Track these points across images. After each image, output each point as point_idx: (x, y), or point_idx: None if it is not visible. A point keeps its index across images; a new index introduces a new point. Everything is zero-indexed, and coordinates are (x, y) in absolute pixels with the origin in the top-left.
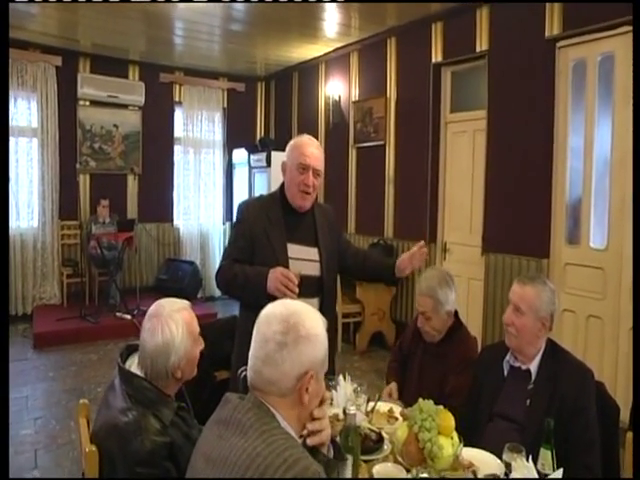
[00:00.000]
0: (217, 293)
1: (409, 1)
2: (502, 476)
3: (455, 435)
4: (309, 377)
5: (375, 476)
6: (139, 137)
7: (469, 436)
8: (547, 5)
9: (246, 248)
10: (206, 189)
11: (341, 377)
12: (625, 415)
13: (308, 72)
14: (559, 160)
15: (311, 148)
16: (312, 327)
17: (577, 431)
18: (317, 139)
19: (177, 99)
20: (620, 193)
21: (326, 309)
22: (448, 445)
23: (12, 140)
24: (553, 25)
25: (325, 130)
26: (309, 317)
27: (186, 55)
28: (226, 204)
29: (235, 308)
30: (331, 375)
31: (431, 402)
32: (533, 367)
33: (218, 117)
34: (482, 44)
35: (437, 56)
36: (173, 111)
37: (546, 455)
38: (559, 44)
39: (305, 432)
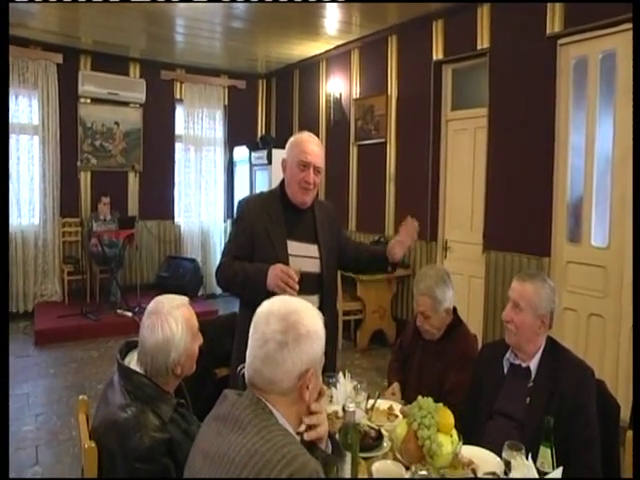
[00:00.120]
0: (218, 290)
1: (410, 1)
2: (501, 474)
3: (454, 433)
4: (310, 375)
5: (374, 473)
6: (140, 134)
7: (469, 434)
8: (548, 2)
9: (246, 245)
10: (207, 187)
11: (341, 375)
12: (626, 414)
13: (309, 70)
14: (560, 158)
15: (312, 145)
16: (312, 324)
17: (577, 429)
18: (318, 137)
19: (178, 96)
20: (621, 191)
21: (326, 306)
22: (447, 443)
23: (13, 137)
24: (554, 23)
25: (326, 128)
26: (308, 314)
27: (187, 52)
28: (227, 202)
29: (236, 305)
30: (331, 373)
31: (430, 399)
32: (533, 365)
33: (219, 115)
34: (483, 42)
35: (438, 54)
36: (174, 108)
37: (545, 453)
38: (560, 42)
39: (302, 428)
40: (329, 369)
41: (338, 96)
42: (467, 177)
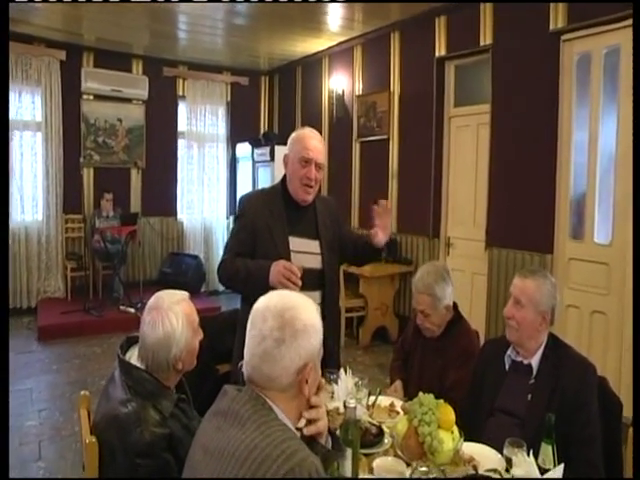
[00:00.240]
0: (220, 287)
1: (412, 0)
2: (503, 471)
3: (455, 429)
4: (309, 369)
5: (375, 470)
6: (143, 131)
7: (470, 430)
8: (551, 2)
9: (248, 241)
10: (210, 183)
11: (342, 371)
12: (628, 411)
13: (312, 66)
14: (563, 154)
15: (313, 141)
16: (308, 318)
17: (578, 426)
18: (321, 133)
19: (181, 93)
20: (625, 188)
21: (328, 302)
22: (448, 439)
23: (17, 134)
24: (557, 18)
25: (329, 124)
26: (304, 309)
27: (190, 49)
28: (230, 198)
29: (238, 302)
30: (334, 369)
31: (431, 396)
32: (534, 361)
33: (222, 111)
34: (486, 38)
35: (441, 50)
36: (177, 105)
37: (547, 450)
38: (564, 37)
39: (302, 423)
40: (331, 366)
41: (340, 93)
42: (470, 174)
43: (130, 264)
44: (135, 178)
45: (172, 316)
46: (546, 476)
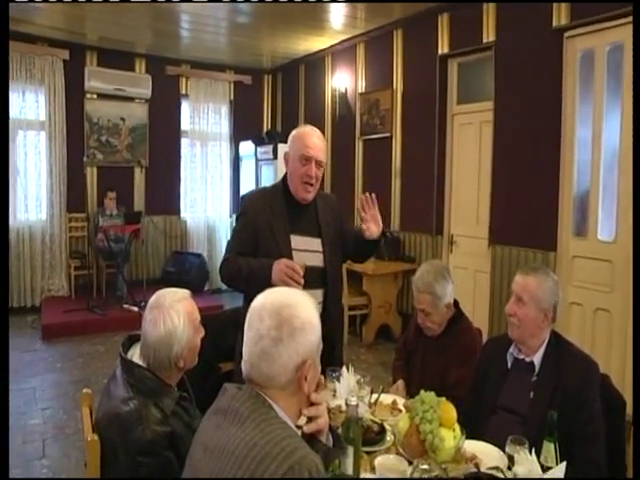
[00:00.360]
0: (223, 285)
1: (414, 0)
2: (505, 469)
3: (457, 427)
4: (308, 366)
5: (376, 467)
6: (146, 130)
7: (472, 428)
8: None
9: (249, 240)
10: (213, 182)
11: (344, 369)
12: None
13: (314, 64)
14: (567, 152)
15: (313, 139)
16: (306, 316)
17: (581, 423)
18: (323, 131)
19: (184, 92)
20: (628, 185)
21: (331, 300)
22: (450, 437)
23: (20, 133)
24: (560, 15)
25: (331, 122)
26: (301, 306)
27: (192, 48)
28: (233, 196)
29: (241, 300)
30: (336, 367)
31: (433, 394)
32: (537, 359)
33: (225, 110)
34: (489, 35)
35: (443, 47)
36: (180, 104)
37: (549, 448)
38: (567, 34)
39: (302, 421)
40: (335, 364)
41: (343, 91)
42: (473, 171)
43: (133, 263)
44: (138, 177)
45: (173, 314)
46: (548, 474)
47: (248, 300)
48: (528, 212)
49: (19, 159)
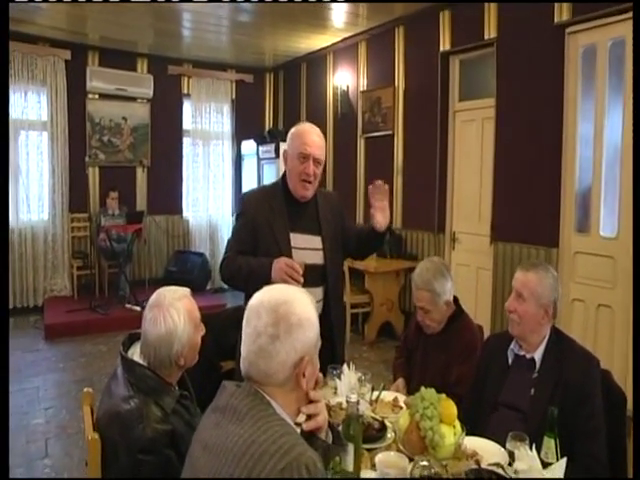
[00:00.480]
0: (226, 285)
1: None
2: (506, 465)
3: (457, 424)
4: (305, 362)
5: (377, 465)
6: (148, 129)
7: (473, 425)
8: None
9: (249, 239)
10: (215, 181)
11: (345, 366)
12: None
13: (316, 62)
14: (568, 147)
15: (312, 136)
16: (303, 312)
17: (582, 419)
18: (325, 129)
19: (185, 91)
20: (630, 181)
21: (332, 298)
22: (450, 434)
23: (22, 134)
24: (562, 11)
25: (333, 120)
26: (298, 302)
27: (194, 47)
28: (235, 195)
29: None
30: (338, 365)
31: (433, 390)
32: (537, 356)
33: (227, 109)
34: (490, 31)
35: (445, 44)
36: (182, 103)
37: (549, 444)
38: (568, 30)
39: (302, 418)
40: (336, 362)
41: (345, 88)
42: (475, 168)
43: (136, 262)
44: (140, 176)
45: (174, 312)
46: (549, 469)
47: (248, 299)
48: (530, 209)
49: (21, 159)
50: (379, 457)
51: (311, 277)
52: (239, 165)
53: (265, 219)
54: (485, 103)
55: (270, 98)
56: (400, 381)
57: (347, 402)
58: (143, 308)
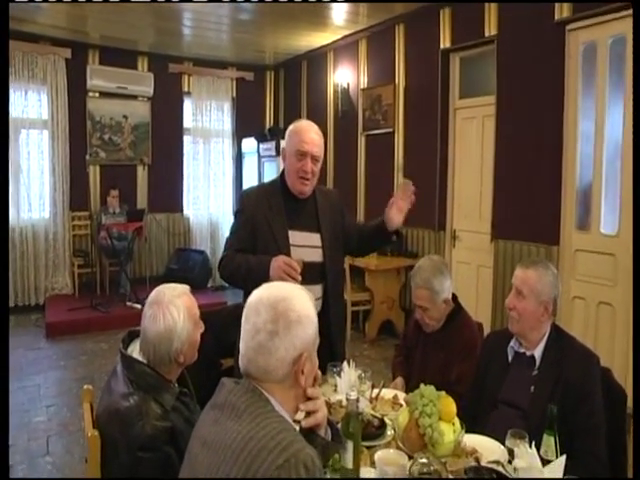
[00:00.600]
0: None
1: None
2: (505, 462)
3: (457, 421)
4: (304, 359)
5: (377, 462)
6: (148, 128)
7: (473, 423)
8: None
9: (248, 237)
10: (216, 179)
11: (345, 364)
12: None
13: (317, 60)
14: (569, 145)
15: (310, 134)
16: (302, 309)
17: (582, 417)
18: (326, 127)
19: (186, 89)
20: (631, 178)
21: (331, 295)
22: (449, 431)
23: (23, 132)
24: (562, 8)
25: (334, 118)
26: (298, 299)
27: (195, 45)
28: (236, 193)
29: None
30: (338, 362)
31: (432, 387)
32: (537, 353)
33: (227, 107)
34: (491, 29)
35: (445, 42)
36: (182, 101)
37: (549, 441)
38: (569, 27)
39: (301, 415)
40: (336, 359)
41: (346, 86)
42: (475, 166)
43: (137, 260)
44: (141, 174)
45: (173, 309)
46: (548, 467)
47: (247, 296)
48: (530, 206)
49: (22, 158)
50: (378, 455)
51: (310, 274)
52: (240, 163)
53: (264, 216)
54: (485, 100)
55: (271, 96)
56: (399, 380)
57: (347, 399)
58: (144, 306)
